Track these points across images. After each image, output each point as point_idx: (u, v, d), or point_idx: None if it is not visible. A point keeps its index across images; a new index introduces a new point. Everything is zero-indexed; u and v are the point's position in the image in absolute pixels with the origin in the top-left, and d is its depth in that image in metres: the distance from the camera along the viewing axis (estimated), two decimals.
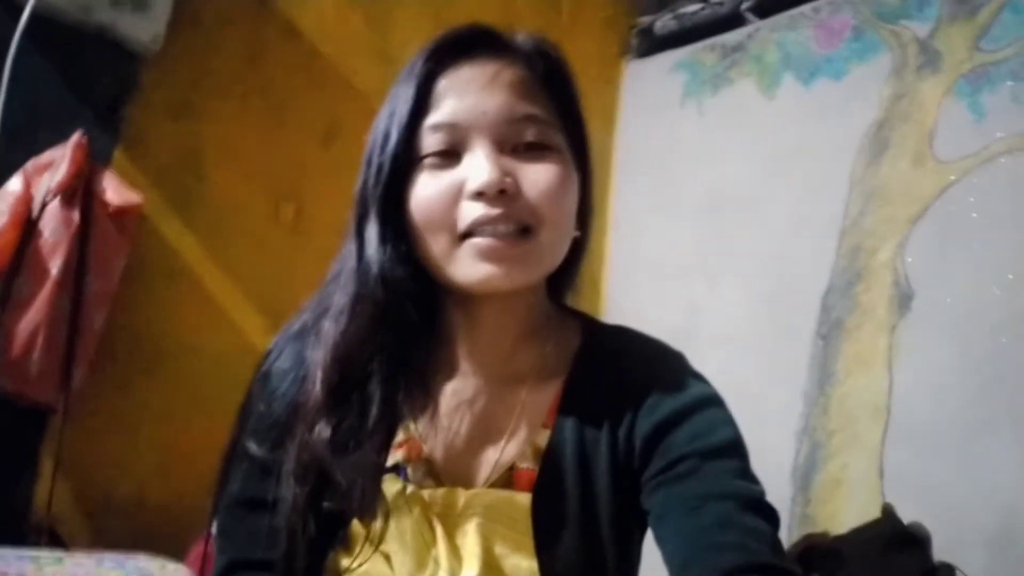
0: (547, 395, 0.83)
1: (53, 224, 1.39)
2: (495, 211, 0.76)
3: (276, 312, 1.64)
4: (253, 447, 0.83)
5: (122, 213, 1.47)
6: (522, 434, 0.82)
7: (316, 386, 0.80)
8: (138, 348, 1.56)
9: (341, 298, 0.82)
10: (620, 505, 0.78)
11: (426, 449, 0.82)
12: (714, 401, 0.81)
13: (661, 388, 0.80)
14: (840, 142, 1.98)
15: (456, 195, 0.78)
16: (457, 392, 0.85)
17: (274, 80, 1.77)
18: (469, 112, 0.78)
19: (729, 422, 0.80)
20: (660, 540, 0.74)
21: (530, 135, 0.78)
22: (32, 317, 1.35)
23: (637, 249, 2.37)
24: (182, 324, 1.61)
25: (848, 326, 1.90)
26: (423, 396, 0.83)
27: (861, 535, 1.01)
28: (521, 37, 0.84)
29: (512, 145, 0.78)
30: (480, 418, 0.84)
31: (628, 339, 0.88)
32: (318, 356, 0.82)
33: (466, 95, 0.78)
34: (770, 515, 0.73)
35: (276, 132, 1.75)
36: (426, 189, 0.79)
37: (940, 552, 1.62)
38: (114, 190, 1.47)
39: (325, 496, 0.79)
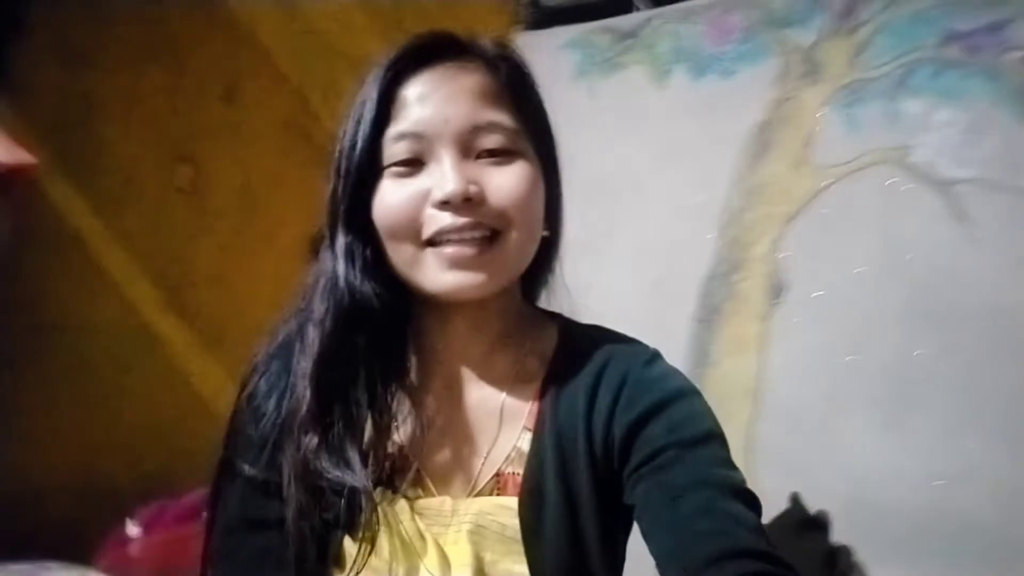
0: (526, 397, 0.87)
1: None
2: (461, 220, 0.78)
3: (172, 285, 1.54)
4: (247, 468, 0.82)
5: (13, 174, 1.30)
6: (506, 438, 0.86)
7: (304, 395, 0.80)
8: (20, 321, 1.40)
9: (321, 306, 0.82)
10: (602, 503, 0.82)
11: (413, 458, 0.83)
12: (690, 393, 0.86)
13: (636, 384, 0.84)
14: (726, 138, 2.11)
15: (421, 203, 0.79)
16: (439, 399, 0.87)
17: (175, 29, 1.62)
18: (433, 121, 0.79)
19: (706, 412, 0.85)
20: (645, 532, 0.78)
21: (494, 142, 0.81)
22: None
23: None
24: (70, 295, 1.47)
25: (725, 312, 2.05)
26: (406, 404, 0.85)
27: (778, 524, 1.12)
28: (483, 42, 0.87)
29: (477, 152, 0.81)
30: (463, 424, 0.86)
31: (603, 338, 0.93)
32: (304, 364, 0.81)
33: (429, 104, 0.80)
34: (752, 502, 0.79)
35: (174, 85, 1.61)
36: (391, 197, 0.80)
37: (797, 520, 1.83)
38: (3, 146, 1.30)
39: (320, 505, 0.79)
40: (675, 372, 0.90)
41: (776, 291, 1.99)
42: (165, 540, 1.24)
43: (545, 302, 0.95)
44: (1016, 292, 1.68)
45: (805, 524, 1.13)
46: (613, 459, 0.84)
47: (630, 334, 2.13)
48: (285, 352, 0.86)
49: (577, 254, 2.26)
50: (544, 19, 2.56)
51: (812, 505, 1.83)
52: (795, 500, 1.14)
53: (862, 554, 1.75)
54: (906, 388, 1.79)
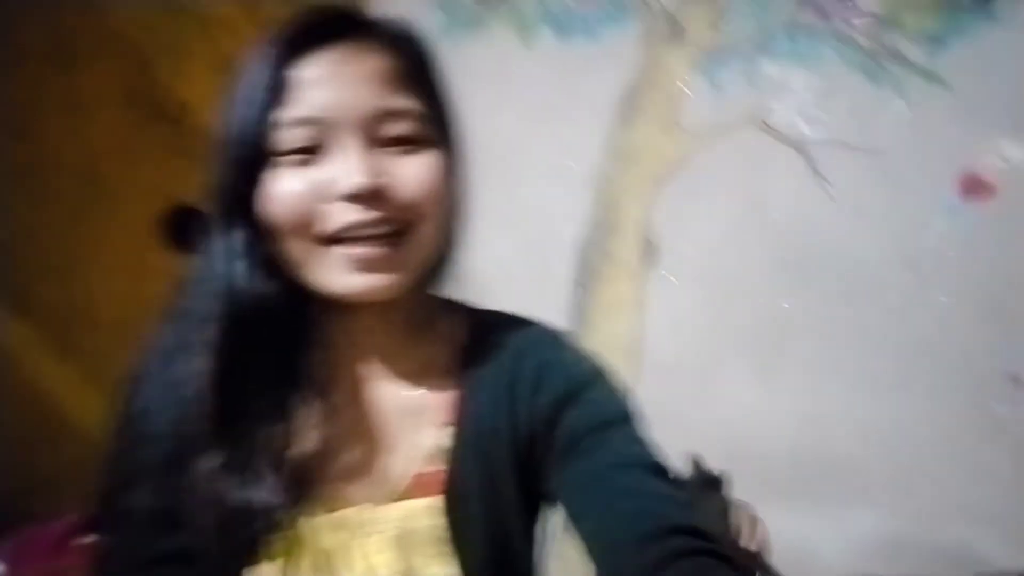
0: (440, 392, 0.83)
1: None
2: (369, 215, 0.72)
3: (11, 281, 1.36)
4: (139, 499, 0.73)
5: None
6: (424, 436, 0.81)
7: (199, 409, 0.73)
8: None
9: (208, 307, 0.74)
10: (525, 494, 0.80)
11: (327, 468, 0.79)
12: (602, 375, 0.85)
13: (550, 370, 0.82)
14: (597, 101, 2.11)
15: (321, 196, 0.72)
16: (349, 402, 0.82)
17: None
18: (335, 106, 0.73)
19: (620, 393, 0.84)
20: (572, 519, 0.76)
21: (401, 129, 0.75)
22: None
23: None
24: None
25: (602, 275, 2.09)
26: (314, 411, 0.78)
27: (687, 485, 1.17)
28: (384, 24, 0.80)
29: (382, 141, 0.74)
30: (378, 426, 0.82)
31: (513, 324, 0.90)
32: (194, 375, 0.74)
33: (330, 87, 0.73)
34: (672, 477, 0.78)
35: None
36: (286, 189, 0.74)
37: (699, 475, 1.92)
38: None
39: (228, 527, 0.73)
40: (586, 355, 0.89)
41: (650, 251, 2.04)
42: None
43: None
44: (869, 244, 1.82)
45: (706, 483, 1.17)
46: (534, 447, 0.80)
47: (509, 303, 2.14)
48: (168, 361, 0.76)
49: None
50: None
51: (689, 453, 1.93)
52: (696, 461, 1.18)
53: (738, 496, 1.87)
54: (775, 339, 1.90)
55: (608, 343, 2.06)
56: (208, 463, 0.71)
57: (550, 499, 0.81)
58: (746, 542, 1.19)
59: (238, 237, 0.72)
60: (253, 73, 0.73)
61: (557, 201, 2.15)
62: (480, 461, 0.80)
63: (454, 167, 0.84)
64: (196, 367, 0.72)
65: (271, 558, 0.73)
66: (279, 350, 0.75)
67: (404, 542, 0.76)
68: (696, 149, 2.02)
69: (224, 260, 0.73)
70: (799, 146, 1.91)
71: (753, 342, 1.92)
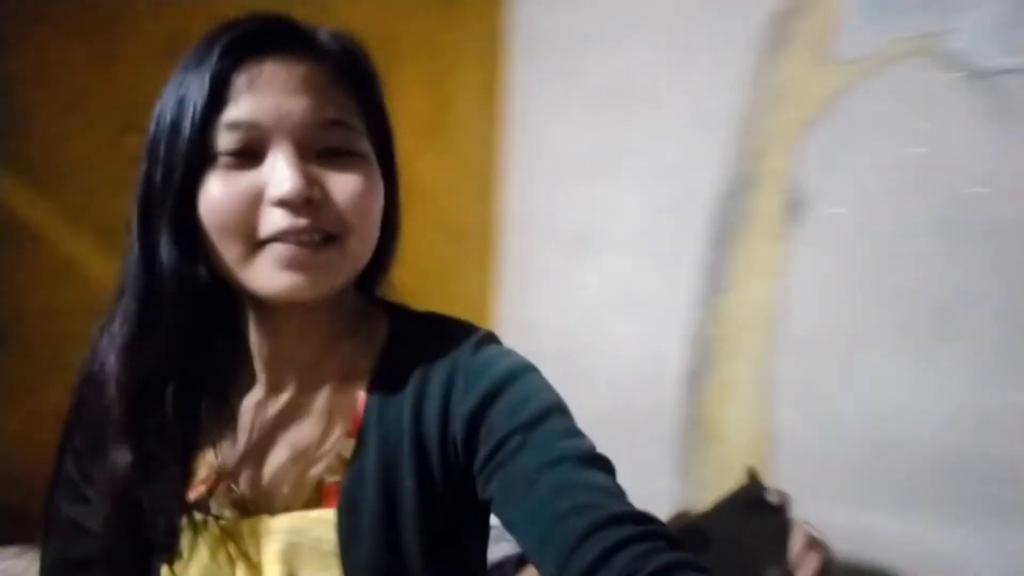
0: (352, 398, 0.81)
1: None
2: (300, 221, 0.72)
3: None
4: (65, 507, 0.81)
5: None
6: (327, 446, 0.80)
7: (112, 404, 0.76)
8: None
9: (129, 305, 0.77)
10: (429, 504, 0.78)
11: (230, 477, 0.80)
12: (523, 371, 0.80)
13: (467, 373, 0.79)
14: (738, 35, 1.86)
15: (255, 200, 0.73)
16: (260, 408, 0.84)
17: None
18: (272, 112, 0.73)
19: (543, 387, 0.80)
20: (508, 525, 0.73)
21: (336, 140, 0.76)
22: None
23: (537, 142, 2.27)
24: (32, 285, 1.49)
25: (741, 232, 1.88)
26: (224, 416, 0.80)
27: (723, 508, 1.03)
28: (326, 34, 0.79)
29: (316, 150, 0.75)
30: (286, 434, 0.81)
31: (433, 325, 0.87)
32: (112, 372, 0.78)
33: (269, 94, 0.74)
34: (605, 465, 0.74)
35: (106, 51, 1.55)
36: (221, 192, 0.75)
37: (818, 457, 1.71)
38: None
39: (133, 526, 0.77)
40: (505, 353, 0.85)
41: (795, 208, 1.79)
42: None
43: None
44: None
45: (759, 502, 1.03)
46: (456, 456, 0.78)
47: (643, 261, 2.01)
48: (96, 360, 0.82)
49: (589, 178, 2.13)
50: None
51: (831, 444, 1.70)
52: (754, 478, 1.05)
53: (881, 499, 1.62)
54: (937, 316, 1.59)
55: (744, 311, 1.86)
56: (117, 457, 0.75)
57: (483, 510, 0.78)
58: None
59: (172, 236, 0.75)
60: (191, 73, 0.75)
61: (693, 153, 1.95)
62: (379, 474, 0.78)
63: (389, 182, 0.82)
64: (117, 358, 0.77)
65: (166, 564, 0.77)
66: (198, 352, 0.78)
67: (290, 555, 0.76)
68: (852, 86, 1.70)
69: (158, 256, 0.75)
70: (982, 77, 1.53)
71: (910, 317, 1.62)
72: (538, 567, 0.70)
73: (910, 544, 1.58)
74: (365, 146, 0.78)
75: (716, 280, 1.91)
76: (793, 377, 1.77)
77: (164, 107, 0.75)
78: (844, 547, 1.66)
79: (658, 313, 1.99)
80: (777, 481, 1.77)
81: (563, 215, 2.18)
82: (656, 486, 0.95)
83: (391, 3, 2.07)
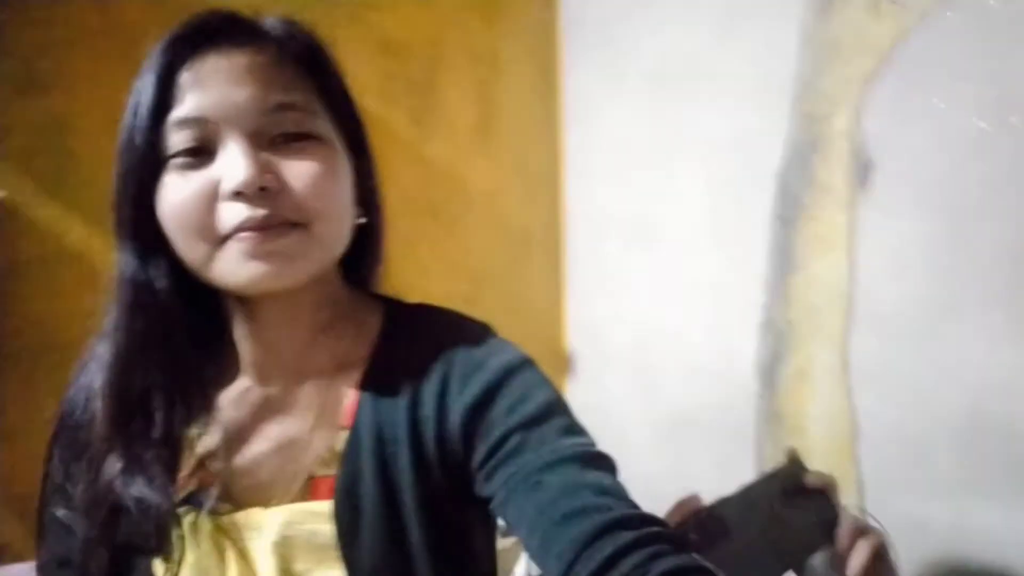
0: (344, 390, 0.80)
1: None
2: (258, 212, 0.71)
3: None
4: (55, 510, 0.83)
5: None
6: (320, 439, 0.79)
7: (97, 415, 0.78)
8: (41, 344, 1.53)
9: (112, 315, 0.79)
10: (428, 498, 0.76)
11: (220, 471, 0.80)
12: (521, 366, 0.78)
13: (465, 367, 0.78)
14: None
15: (211, 196, 0.73)
16: (249, 402, 0.83)
17: (137, 30, 1.62)
18: (218, 105, 0.72)
19: (542, 382, 0.78)
20: (511, 524, 0.72)
21: (288, 125, 0.74)
22: None
23: (592, 136, 2.19)
24: (77, 311, 1.57)
25: (806, 205, 1.72)
26: (211, 412, 0.80)
27: (751, 493, 0.92)
28: (270, 21, 0.78)
29: (269, 138, 0.73)
30: (275, 426, 0.80)
31: (428, 319, 0.85)
32: (96, 381, 0.79)
33: (212, 86, 0.73)
34: (608, 465, 0.73)
35: None
36: (177, 193, 0.75)
37: (905, 442, 1.52)
38: None
39: (119, 530, 0.76)
40: (503, 346, 0.82)
41: (862, 173, 1.62)
42: None
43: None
44: None
45: (798, 486, 0.93)
46: (454, 452, 0.76)
47: (705, 246, 1.89)
48: (84, 370, 0.85)
49: (646, 164, 2.03)
50: None
51: (921, 427, 1.51)
52: (793, 459, 0.94)
53: (981, 488, 1.43)
54: None
55: (817, 289, 1.69)
56: (109, 463, 0.76)
57: (485, 504, 0.76)
58: (856, 570, 0.91)
59: (137, 241, 0.77)
60: (143, 79, 0.77)
61: (752, 122, 1.81)
62: (375, 466, 0.77)
63: (355, 162, 0.81)
64: (102, 366, 0.78)
65: (158, 558, 0.77)
66: (181, 352, 0.78)
67: (284, 548, 0.75)
68: (914, 28, 1.52)
69: (126, 265, 0.76)
70: None
71: (999, 285, 1.42)
72: (542, 568, 0.68)
73: (1016, 537, 1.37)
74: (323, 127, 0.76)
75: (784, 259, 1.76)
76: (874, 359, 1.59)
77: (125, 114, 0.76)
78: (942, 543, 1.47)
79: (726, 300, 1.86)
80: (864, 474, 1.60)
81: (623, 206, 2.08)
82: (737, 484, 0.87)
83: (433, 9, 2.06)
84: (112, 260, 1.59)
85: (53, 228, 1.53)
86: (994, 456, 1.42)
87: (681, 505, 0.89)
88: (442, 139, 2.07)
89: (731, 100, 1.85)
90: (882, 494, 1.54)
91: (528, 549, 0.70)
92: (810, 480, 0.92)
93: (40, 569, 0.85)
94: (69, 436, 0.82)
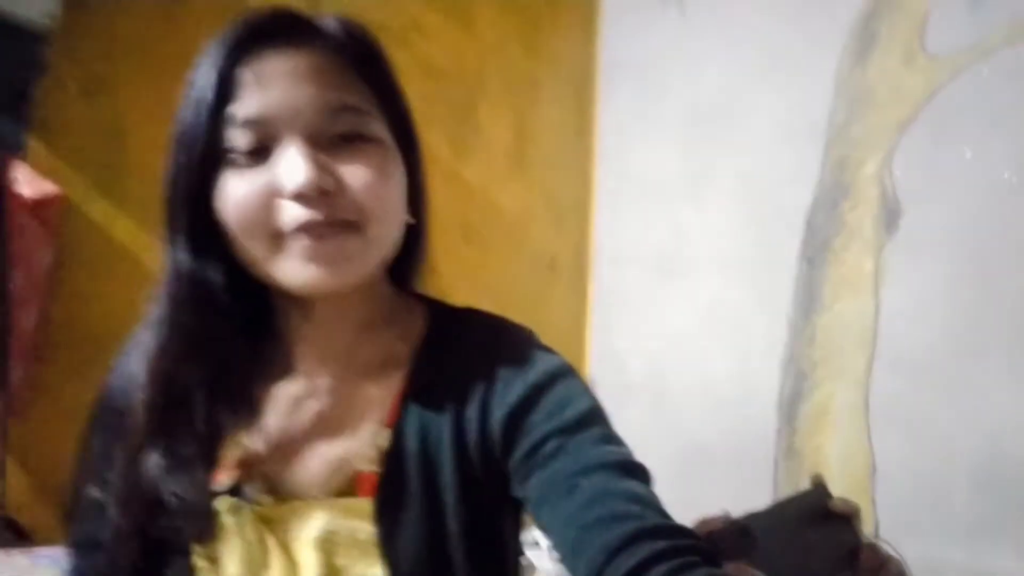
0: (390, 389, 0.80)
1: None
2: (316, 212, 0.71)
3: None
4: (91, 488, 0.82)
5: (41, 205, 1.45)
6: (364, 434, 0.79)
7: (138, 404, 0.77)
8: (83, 335, 1.56)
9: (160, 307, 0.79)
10: (469, 498, 0.76)
11: (262, 463, 0.80)
12: (564, 373, 0.78)
13: (509, 369, 0.78)
14: (825, 38, 1.77)
15: (271, 196, 0.73)
16: (294, 397, 0.82)
17: (194, 36, 1.67)
18: (278, 106, 0.73)
19: (583, 391, 0.78)
20: (543, 528, 0.72)
21: (345, 126, 0.74)
22: None
23: (624, 171, 2.24)
24: (126, 308, 1.59)
25: (834, 247, 1.76)
26: (256, 405, 0.80)
27: (778, 512, 0.93)
28: (328, 21, 0.78)
29: (327, 138, 0.73)
30: (320, 421, 0.81)
31: (473, 321, 0.85)
32: (138, 370, 0.79)
33: (273, 87, 0.73)
34: (643, 475, 0.73)
35: None
36: (237, 190, 0.74)
37: (924, 484, 1.54)
38: (29, 182, 1.44)
39: (155, 524, 0.77)
40: (548, 352, 0.82)
41: (890, 218, 1.66)
42: None
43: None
44: None
45: (822, 510, 0.94)
46: (493, 452, 0.76)
47: (731, 282, 1.92)
48: (128, 357, 0.85)
49: (675, 198, 2.07)
50: None
51: (941, 469, 1.53)
52: (818, 484, 0.96)
53: (1002, 534, 1.44)
54: None
55: (842, 329, 1.72)
56: (146, 456, 0.78)
57: (513, 505, 0.77)
58: None
59: (192, 236, 0.78)
60: (201, 74, 0.77)
61: (783, 164, 1.86)
62: (419, 464, 0.77)
63: (406, 163, 0.81)
64: (144, 357, 0.79)
65: (200, 549, 0.78)
66: (226, 346, 0.79)
67: (327, 543, 0.75)
68: (947, 80, 1.57)
69: (178, 257, 0.78)
70: None
71: (1021, 330, 1.45)
72: (572, 572, 0.68)
73: None
74: (378, 129, 0.76)
75: (809, 299, 1.79)
76: (896, 400, 1.62)
77: (182, 108, 0.76)
78: None
79: (750, 336, 1.88)
80: (880, 514, 1.61)
81: (651, 240, 2.12)
82: None
83: (477, 38, 2.12)
84: (159, 257, 1.64)
85: (104, 224, 1.58)
86: (1012, 500, 1.43)
87: (706, 522, 0.91)
88: (478, 163, 2.12)
89: (764, 142, 1.89)
90: (898, 534, 1.54)
91: (560, 552, 0.70)
92: (835, 506, 0.94)
93: (73, 547, 0.85)
94: (108, 420, 0.81)
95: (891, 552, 0.95)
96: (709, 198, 2.00)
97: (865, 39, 1.72)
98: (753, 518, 0.90)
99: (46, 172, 1.48)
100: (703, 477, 1.87)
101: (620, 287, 2.21)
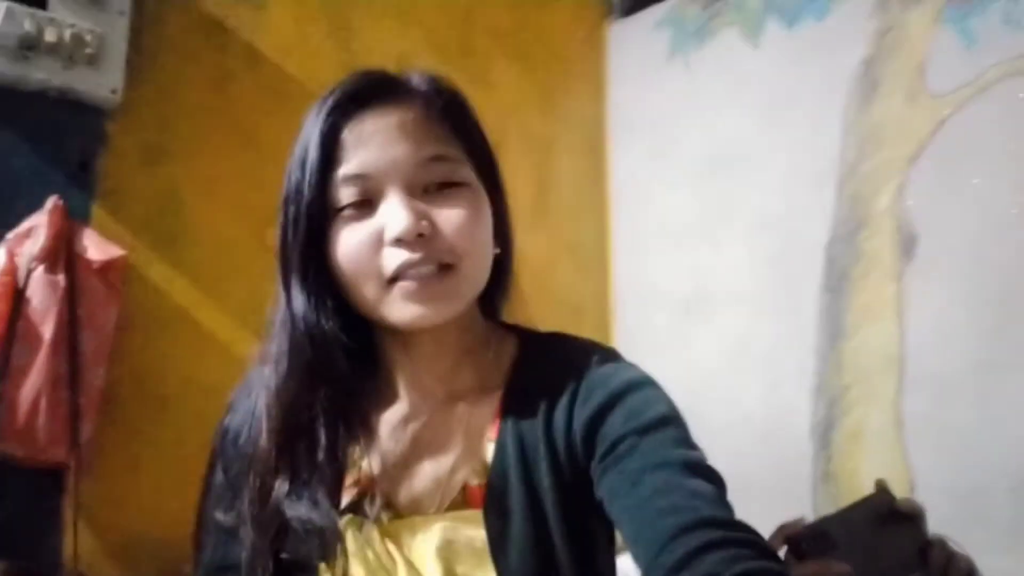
0: (489, 409, 0.86)
1: (40, 290, 1.44)
2: (417, 255, 0.78)
3: None
4: (219, 515, 0.87)
5: (107, 268, 1.51)
6: (469, 451, 0.84)
7: (263, 436, 0.83)
8: (143, 394, 1.61)
9: (277, 347, 0.85)
10: (567, 504, 0.80)
11: (380, 483, 0.85)
12: (645, 382, 0.82)
13: (592, 380, 0.82)
14: (830, 84, 1.90)
15: (377, 243, 0.80)
16: (403, 421, 0.88)
17: (242, 107, 1.78)
18: (378, 162, 0.80)
19: (662, 399, 0.81)
20: (615, 523, 0.76)
21: (438, 175, 0.81)
22: (32, 384, 1.40)
23: (641, 217, 2.34)
24: (183, 363, 1.66)
25: (854, 277, 1.85)
26: (369, 431, 0.86)
27: (848, 515, 0.99)
28: (416, 78, 0.86)
29: (423, 186, 0.81)
30: (427, 442, 0.86)
31: (560, 343, 0.91)
32: (262, 405, 0.85)
33: (373, 146, 0.81)
34: (712, 476, 0.75)
35: (251, 159, 1.76)
36: (349, 241, 0.82)
37: (962, 500, 1.59)
38: (96, 247, 1.51)
39: (284, 545, 0.82)
40: (630, 366, 0.87)
41: (907, 246, 1.75)
42: None
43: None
44: None
45: (891, 511, 0.99)
46: (578, 457, 0.81)
47: (755, 317, 1.99)
48: (250, 393, 0.90)
49: (694, 241, 2.16)
50: (638, 2, 2.47)
51: (978, 485, 1.59)
52: (882, 488, 1.01)
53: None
54: None
55: (868, 355, 1.80)
56: (276, 482, 0.82)
57: (604, 508, 0.81)
58: None
59: (305, 286, 0.84)
60: (307, 136, 0.86)
61: (798, 202, 1.96)
62: (520, 475, 0.82)
63: (492, 201, 0.89)
64: (265, 397, 0.86)
65: (325, 566, 0.83)
66: (339, 381, 0.85)
67: (447, 552, 0.80)
68: (950, 115, 1.69)
69: (294, 305, 0.84)
70: None
71: None
72: (635, 560, 0.72)
73: None
74: (467, 173, 0.83)
75: (834, 328, 1.87)
76: (927, 418, 1.68)
77: (290, 168, 0.84)
78: None
79: (778, 368, 1.95)
80: None
81: (673, 281, 2.20)
82: None
83: (496, 100, 2.24)
84: (215, 317, 1.69)
85: (163, 287, 1.64)
86: None
87: (783, 527, 0.96)
88: None
89: (777, 182, 2.00)
90: None
91: (626, 541, 0.74)
92: (902, 506, 1.00)
93: (203, 573, 0.90)
94: (234, 451, 0.87)
95: (957, 548, 1.00)
96: (727, 239, 2.10)
97: (869, 82, 1.84)
98: (827, 522, 0.96)
99: (110, 237, 1.55)
100: (743, 510, 1.89)
101: (643, 329, 2.28)
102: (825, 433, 1.84)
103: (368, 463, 0.85)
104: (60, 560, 1.47)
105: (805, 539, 0.93)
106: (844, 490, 1.79)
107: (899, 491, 1.59)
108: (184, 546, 1.09)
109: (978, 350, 1.62)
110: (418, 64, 0.90)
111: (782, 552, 0.92)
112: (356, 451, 0.85)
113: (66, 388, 1.44)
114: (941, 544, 0.98)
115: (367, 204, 0.80)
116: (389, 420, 0.87)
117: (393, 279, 0.79)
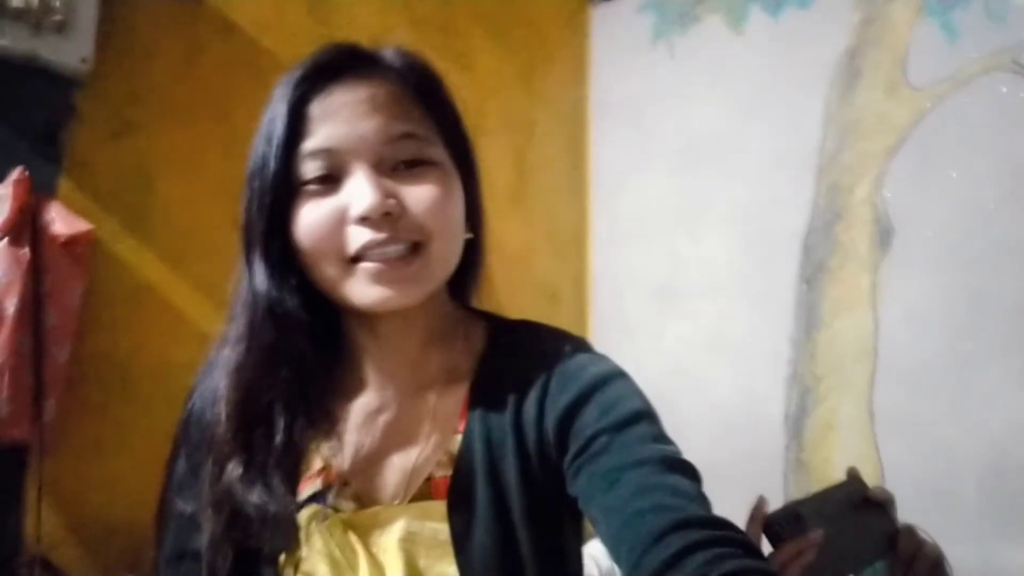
0: (457, 399, 0.84)
1: (3, 265, 1.40)
2: (382, 235, 0.76)
3: None
4: (180, 502, 0.84)
5: (73, 243, 1.47)
6: (435, 442, 0.82)
7: (220, 418, 0.80)
8: (109, 372, 1.57)
9: (237, 327, 0.82)
10: (533, 498, 0.79)
11: (343, 471, 0.83)
12: (617, 376, 0.81)
13: (563, 373, 0.80)
14: (812, 74, 1.89)
15: (340, 220, 0.77)
16: (367, 408, 0.86)
17: (215, 82, 1.74)
18: (345, 136, 0.77)
19: (635, 393, 0.80)
20: (591, 521, 0.74)
21: (408, 152, 0.78)
22: None
23: (619, 204, 2.32)
24: (150, 342, 1.62)
25: (831, 267, 1.85)
26: (332, 418, 0.83)
27: (821, 500, 0.99)
28: (390, 53, 0.83)
29: (391, 164, 0.78)
30: (393, 431, 0.84)
31: (530, 331, 0.89)
32: (222, 387, 0.82)
33: (340, 120, 0.78)
34: (690, 471, 0.74)
35: (224, 133, 1.72)
36: (310, 216, 0.78)
37: (931, 491, 1.61)
38: (62, 220, 1.47)
39: (243, 534, 0.79)
40: (601, 358, 0.85)
41: (884, 237, 1.76)
42: None
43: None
44: None
45: (861, 498, 1.00)
46: (549, 452, 0.79)
47: (731, 306, 2.00)
48: (209, 376, 0.88)
49: (672, 229, 2.16)
50: None
51: (946, 476, 1.60)
52: (854, 475, 1.01)
53: (1009, 532, 1.51)
54: None
55: (842, 345, 1.81)
56: (231, 467, 0.81)
57: (575, 505, 0.79)
58: None
59: (268, 260, 0.82)
60: (273, 110, 0.82)
61: (777, 192, 1.96)
62: (486, 468, 0.80)
63: (464, 183, 0.86)
64: (226, 373, 0.83)
65: (285, 557, 0.81)
66: (301, 364, 0.82)
67: (408, 544, 0.78)
68: (930, 108, 1.69)
69: (255, 281, 0.81)
70: None
71: (1015, 335, 1.54)
72: (615, 562, 0.70)
73: None
74: (438, 153, 0.81)
75: (809, 318, 1.87)
76: (899, 410, 1.70)
77: (256, 141, 0.81)
78: None
79: (752, 357, 1.96)
80: None
81: (650, 269, 2.20)
82: None
83: (477, 80, 2.21)
84: (184, 293, 1.65)
85: (131, 262, 1.60)
86: (1019, 500, 1.51)
87: (755, 509, 0.96)
88: None
89: (756, 172, 2.00)
90: None
91: (605, 542, 0.72)
92: (873, 493, 1.00)
93: (164, 561, 0.87)
94: (195, 437, 0.84)
95: (925, 537, 1.01)
96: (705, 227, 2.09)
97: (850, 73, 1.84)
98: (800, 504, 0.96)
99: (77, 211, 1.50)
100: (715, 496, 1.91)
101: (620, 315, 2.28)
102: (798, 422, 1.85)
103: (333, 453, 0.83)
104: (21, 540, 1.43)
105: (780, 522, 0.93)
106: (816, 479, 1.80)
107: (870, 480, 1.60)
108: (148, 529, 1.06)
109: (951, 343, 1.63)
110: (397, 41, 0.87)
111: (760, 537, 0.92)
112: (319, 439, 0.82)
113: (29, 365, 1.41)
114: (910, 532, 0.99)
115: (332, 180, 0.77)
116: (357, 410, 0.84)
117: (356, 259, 0.76)
